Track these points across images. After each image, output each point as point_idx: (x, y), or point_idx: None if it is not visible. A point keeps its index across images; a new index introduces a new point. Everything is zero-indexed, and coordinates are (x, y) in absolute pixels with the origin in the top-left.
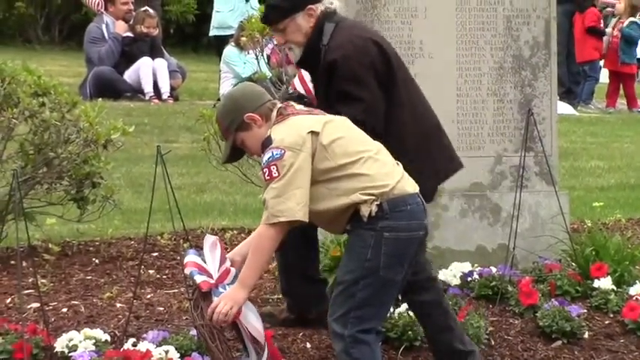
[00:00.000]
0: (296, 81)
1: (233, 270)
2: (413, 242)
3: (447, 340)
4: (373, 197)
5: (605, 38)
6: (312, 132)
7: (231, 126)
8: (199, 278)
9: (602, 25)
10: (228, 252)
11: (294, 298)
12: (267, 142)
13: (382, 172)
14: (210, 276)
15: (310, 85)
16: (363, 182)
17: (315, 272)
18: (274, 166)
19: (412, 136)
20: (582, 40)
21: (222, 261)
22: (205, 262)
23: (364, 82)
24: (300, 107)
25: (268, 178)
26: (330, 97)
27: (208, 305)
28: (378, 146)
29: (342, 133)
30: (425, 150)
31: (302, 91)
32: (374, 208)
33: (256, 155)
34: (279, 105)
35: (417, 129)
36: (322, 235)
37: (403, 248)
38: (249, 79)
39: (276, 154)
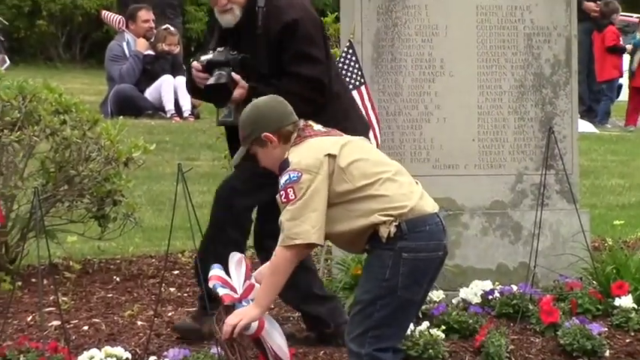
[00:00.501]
0: None
1: (257, 285)
2: (432, 263)
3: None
4: (392, 218)
5: (626, 56)
6: (329, 155)
7: (249, 137)
8: (222, 291)
9: (621, 42)
10: (253, 271)
11: (309, 319)
12: (284, 165)
13: (400, 192)
14: (234, 290)
15: None
16: (382, 203)
17: (320, 290)
18: (291, 189)
19: (343, 103)
20: (602, 59)
21: (247, 277)
22: (230, 278)
23: (319, 43)
24: (318, 128)
25: (285, 200)
26: (281, 60)
27: None
28: (396, 166)
29: (359, 154)
30: (352, 117)
31: None
32: (392, 229)
33: (265, 169)
34: (300, 125)
35: (346, 96)
36: (343, 253)
37: (422, 269)
38: None
39: (293, 177)
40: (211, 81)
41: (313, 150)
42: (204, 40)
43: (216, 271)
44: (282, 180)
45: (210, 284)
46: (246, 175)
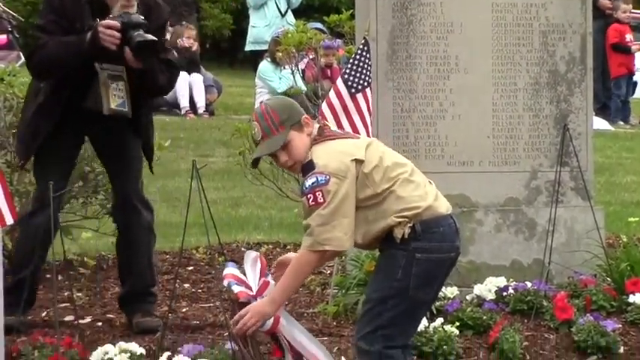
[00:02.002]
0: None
1: (272, 282)
2: (444, 264)
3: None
4: (407, 219)
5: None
6: (356, 160)
7: (288, 121)
8: (237, 288)
9: (628, 40)
10: (271, 270)
11: None
12: (309, 166)
13: (416, 194)
14: (249, 288)
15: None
16: (399, 205)
17: None
18: (320, 192)
19: None
20: (609, 57)
21: (263, 274)
22: (245, 276)
23: None
24: (334, 129)
25: (313, 204)
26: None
27: None
28: (410, 166)
29: (379, 158)
30: None
31: (329, 117)
32: (407, 231)
33: (287, 164)
34: (316, 125)
35: None
36: (357, 249)
37: (434, 270)
38: (285, 94)
39: (321, 180)
40: (140, 39)
41: (339, 154)
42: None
43: (230, 269)
44: (309, 182)
45: (225, 282)
46: None
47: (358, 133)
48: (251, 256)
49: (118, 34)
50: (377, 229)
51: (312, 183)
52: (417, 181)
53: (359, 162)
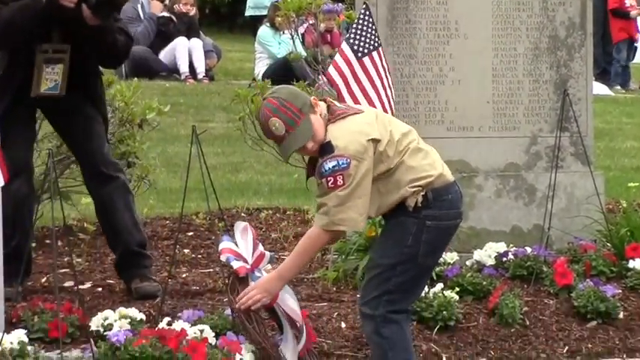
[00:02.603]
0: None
1: (267, 254)
2: (450, 230)
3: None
4: (420, 188)
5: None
6: (372, 139)
7: (304, 107)
8: (236, 264)
9: (628, 4)
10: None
11: None
12: (327, 148)
13: (425, 162)
14: (245, 261)
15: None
16: (410, 174)
17: None
18: (340, 176)
19: None
20: (610, 22)
21: (255, 245)
22: (238, 247)
23: None
24: (338, 105)
25: (332, 186)
26: None
27: (245, 288)
28: (415, 133)
29: (389, 130)
30: None
31: (340, 82)
32: (420, 199)
33: (313, 149)
34: (322, 103)
35: None
36: None
37: (442, 236)
38: (284, 59)
39: (342, 164)
40: None
41: (356, 134)
42: None
43: (226, 243)
44: (330, 165)
45: (223, 257)
46: None
47: (370, 99)
48: (240, 226)
49: None
50: (391, 201)
51: (334, 166)
52: (426, 149)
53: (375, 141)
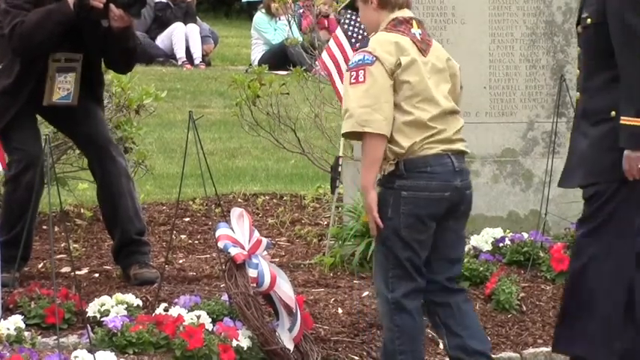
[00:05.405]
0: (325, 56)
1: (264, 240)
2: (435, 202)
3: None
4: (392, 157)
5: None
6: (400, 62)
7: (384, 3)
8: (234, 251)
9: None
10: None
11: None
12: (364, 44)
13: (406, 135)
14: (242, 247)
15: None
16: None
17: None
18: (362, 71)
19: None
20: None
21: (251, 231)
22: (234, 233)
23: None
24: (414, 30)
25: (354, 81)
26: None
27: (242, 274)
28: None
29: (418, 79)
30: None
31: (332, 68)
32: (388, 168)
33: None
34: (398, 15)
35: None
36: (354, 200)
37: (423, 208)
38: (281, 45)
39: (367, 60)
40: None
41: (393, 45)
42: None
43: (222, 229)
44: (357, 58)
45: (221, 244)
46: None
47: None
48: (236, 212)
49: None
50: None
51: (359, 60)
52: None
53: (398, 65)
